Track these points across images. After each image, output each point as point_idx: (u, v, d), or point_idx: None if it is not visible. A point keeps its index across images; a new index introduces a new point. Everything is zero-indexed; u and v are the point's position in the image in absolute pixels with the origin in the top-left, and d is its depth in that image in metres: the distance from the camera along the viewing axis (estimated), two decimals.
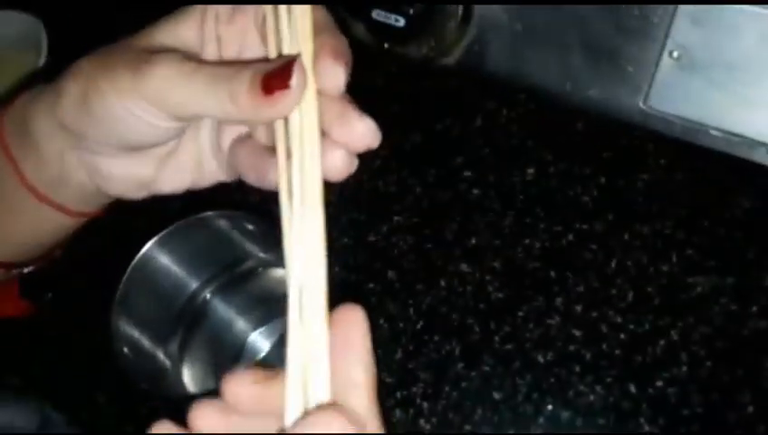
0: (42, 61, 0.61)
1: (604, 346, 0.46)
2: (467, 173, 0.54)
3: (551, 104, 0.55)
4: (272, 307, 0.49)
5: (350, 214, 0.55)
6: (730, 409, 0.43)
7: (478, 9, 0.46)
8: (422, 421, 0.46)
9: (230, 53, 0.29)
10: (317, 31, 0.26)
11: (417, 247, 0.53)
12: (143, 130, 0.28)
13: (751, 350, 0.44)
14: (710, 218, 0.49)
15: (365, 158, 0.57)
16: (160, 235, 0.40)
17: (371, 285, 0.52)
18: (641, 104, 0.43)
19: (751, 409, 0.43)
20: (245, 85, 0.25)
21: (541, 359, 0.47)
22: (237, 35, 0.29)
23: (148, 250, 0.40)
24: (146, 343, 0.42)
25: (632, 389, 0.45)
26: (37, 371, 0.54)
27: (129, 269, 0.39)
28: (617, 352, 0.46)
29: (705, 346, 0.45)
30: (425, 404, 0.47)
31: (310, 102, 0.25)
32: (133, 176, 0.31)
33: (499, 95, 0.56)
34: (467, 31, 0.47)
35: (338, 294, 0.53)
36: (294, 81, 0.24)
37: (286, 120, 0.26)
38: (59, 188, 0.32)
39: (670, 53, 0.42)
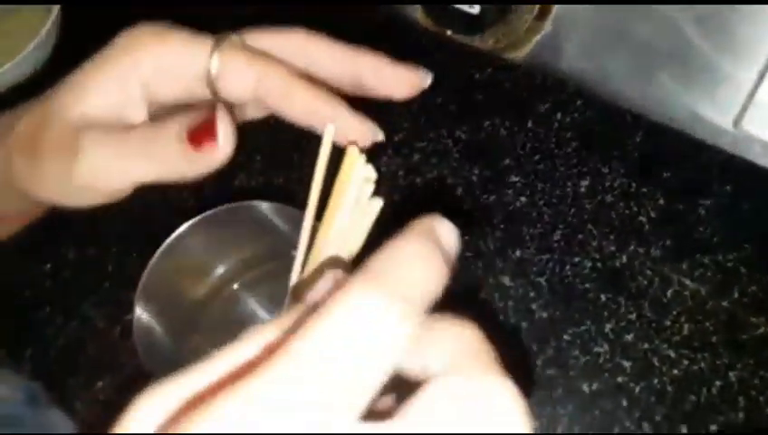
0: (52, 18, 0.59)
1: (655, 381, 0.43)
2: (514, 178, 0.50)
3: (609, 113, 0.51)
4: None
5: (384, 209, 0.50)
6: None
7: (557, 7, 0.42)
8: None
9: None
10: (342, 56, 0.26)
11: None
12: (80, 202, 0.27)
13: None
14: None
15: (402, 150, 0.53)
16: (194, 219, 0.35)
17: None
18: (732, 127, 0.40)
19: None
20: (173, 145, 0.24)
21: (585, 388, 0.43)
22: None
23: (179, 234, 0.35)
24: (163, 331, 0.38)
25: (683, 430, 0.42)
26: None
27: (156, 255, 0.34)
28: (669, 388, 0.43)
29: (765, 392, 0.42)
30: None
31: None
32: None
33: (555, 97, 0.52)
34: (542, 27, 0.43)
35: None
36: (221, 132, 0.24)
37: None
38: None
39: None
